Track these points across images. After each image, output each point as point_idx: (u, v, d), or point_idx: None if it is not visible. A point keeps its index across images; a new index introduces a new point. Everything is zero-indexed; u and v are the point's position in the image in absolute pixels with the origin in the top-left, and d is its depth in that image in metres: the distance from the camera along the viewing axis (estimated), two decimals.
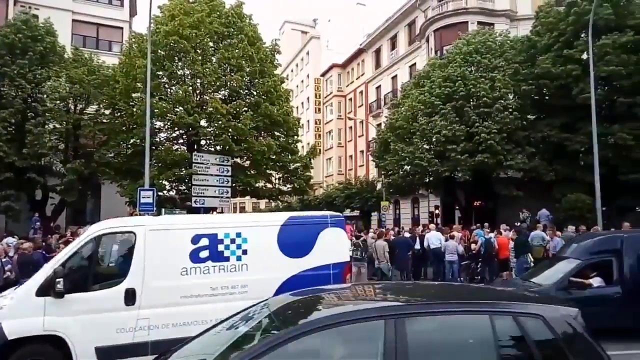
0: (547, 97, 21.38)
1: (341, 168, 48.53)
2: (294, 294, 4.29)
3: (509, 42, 22.88)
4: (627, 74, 18.12)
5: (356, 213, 37.99)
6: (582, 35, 18.92)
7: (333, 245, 8.06)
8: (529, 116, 21.51)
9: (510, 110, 20.20)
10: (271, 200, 30.01)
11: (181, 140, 24.10)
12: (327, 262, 7.90)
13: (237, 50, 22.11)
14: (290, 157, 25.20)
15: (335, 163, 49.09)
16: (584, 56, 18.19)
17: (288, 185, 26.39)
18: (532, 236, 14.23)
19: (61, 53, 22.36)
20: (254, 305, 4.21)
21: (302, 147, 41.33)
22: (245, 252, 7.48)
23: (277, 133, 24.69)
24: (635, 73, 18.15)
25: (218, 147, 22.69)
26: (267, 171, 25.20)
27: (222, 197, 21.04)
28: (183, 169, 21.35)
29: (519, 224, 18.77)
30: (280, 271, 7.55)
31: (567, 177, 19.95)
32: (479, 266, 15.33)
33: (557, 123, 20.21)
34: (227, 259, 7.36)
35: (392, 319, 3.27)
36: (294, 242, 7.80)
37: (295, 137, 26.07)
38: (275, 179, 26.49)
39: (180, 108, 21.39)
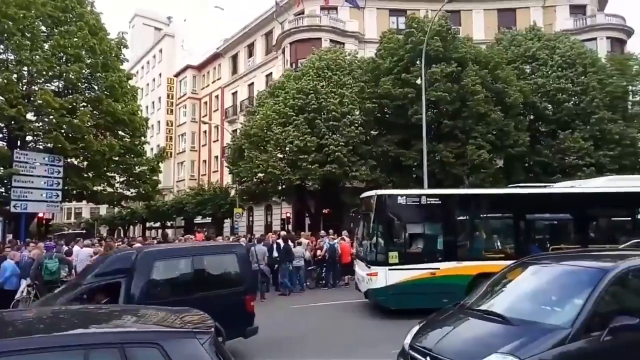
0: (387, 116, 23.49)
1: (194, 173, 46.92)
2: None
3: (356, 61, 24.65)
4: (451, 100, 20.88)
5: (208, 220, 36.95)
6: (417, 63, 21.27)
7: None
8: (372, 132, 23.34)
9: (356, 125, 21.70)
10: (112, 206, 27.52)
11: (0, 135, 20.74)
12: None
13: (75, 39, 19.93)
14: (135, 159, 23.48)
15: (187, 167, 47.24)
16: (418, 81, 20.46)
17: (132, 190, 24.50)
18: None
19: None
20: None
21: (151, 149, 39.05)
22: None
23: (121, 133, 22.84)
24: (457, 100, 21.02)
25: (49, 145, 20.07)
26: (108, 174, 23.07)
27: (50, 202, 18.63)
28: (1, 168, 18.38)
29: None
30: None
31: (402, 189, 22.10)
32: (323, 271, 16.05)
33: (395, 139, 22.32)
34: None
35: None
36: None
37: (142, 138, 24.45)
38: (117, 183, 24.37)
39: (1, 97, 18.41)
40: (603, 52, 28.56)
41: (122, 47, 23.26)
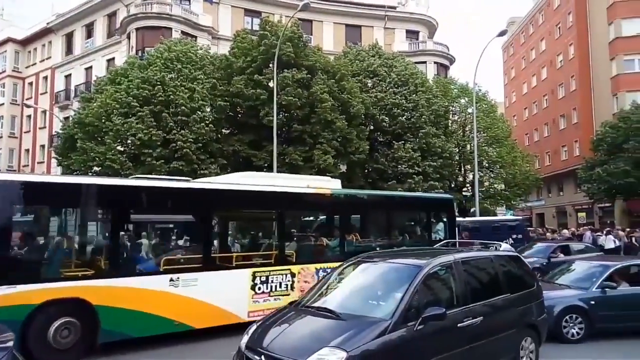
0: (239, 115, 23.34)
1: (13, 163, 41.42)
2: None
3: (209, 57, 23.95)
4: (301, 105, 21.65)
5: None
6: (270, 66, 21.59)
7: None
8: (223, 130, 22.96)
9: (207, 122, 21.09)
10: None
11: None
12: None
13: None
14: None
15: (5, 157, 41.27)
16: (271, 84, 20.78)
17: None
18: None
19: None
20: None
21: None
22: None
23: None
24: (307, 106, 21.87)
25: None
26: None
27: None
28: None
29: None
30: None
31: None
32: None
33: (247, 140, 22.30)
34: None
35: None
36: None
37: None
38: None
39: None
40: (431, 74, 32.70)
41: None
